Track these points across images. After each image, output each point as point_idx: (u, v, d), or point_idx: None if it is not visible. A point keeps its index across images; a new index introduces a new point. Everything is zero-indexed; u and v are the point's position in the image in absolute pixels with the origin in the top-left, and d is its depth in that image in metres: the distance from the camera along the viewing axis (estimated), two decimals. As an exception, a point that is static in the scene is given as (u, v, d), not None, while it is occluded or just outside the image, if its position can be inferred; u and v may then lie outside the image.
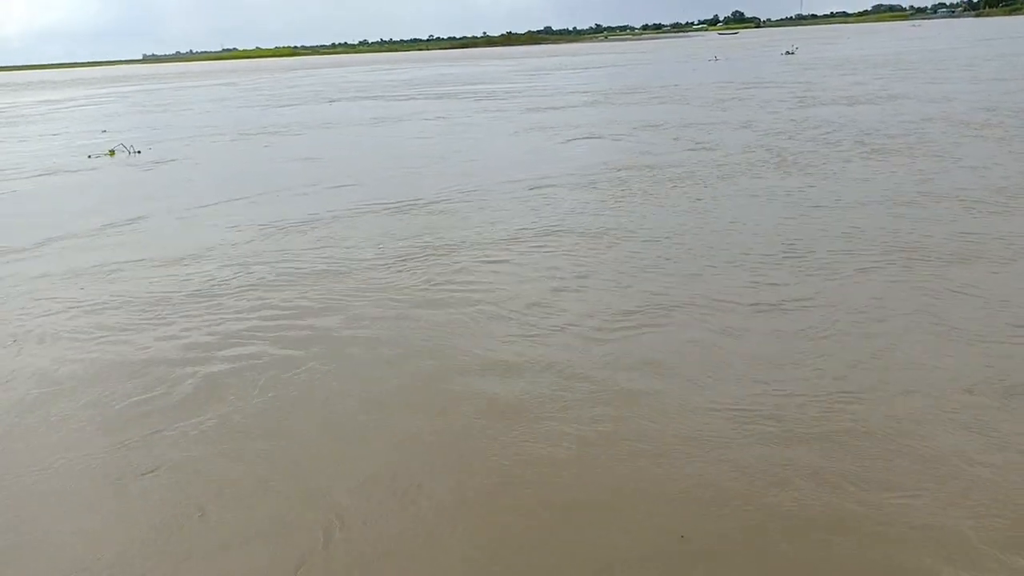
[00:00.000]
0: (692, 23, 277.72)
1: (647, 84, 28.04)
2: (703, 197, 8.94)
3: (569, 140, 14.43)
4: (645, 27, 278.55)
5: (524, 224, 8.08)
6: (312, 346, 5.07)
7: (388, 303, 5.86)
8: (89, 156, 15.58)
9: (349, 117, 21.98)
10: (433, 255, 7.08)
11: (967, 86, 20.33)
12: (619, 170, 10.88)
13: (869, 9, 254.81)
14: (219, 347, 5.13)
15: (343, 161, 13.65)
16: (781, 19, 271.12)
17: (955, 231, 6.96)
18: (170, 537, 3.23)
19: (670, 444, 3.71)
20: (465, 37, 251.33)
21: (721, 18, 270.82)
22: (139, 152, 15.91)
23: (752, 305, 5.41)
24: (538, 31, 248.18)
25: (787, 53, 45.64)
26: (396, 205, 9.38)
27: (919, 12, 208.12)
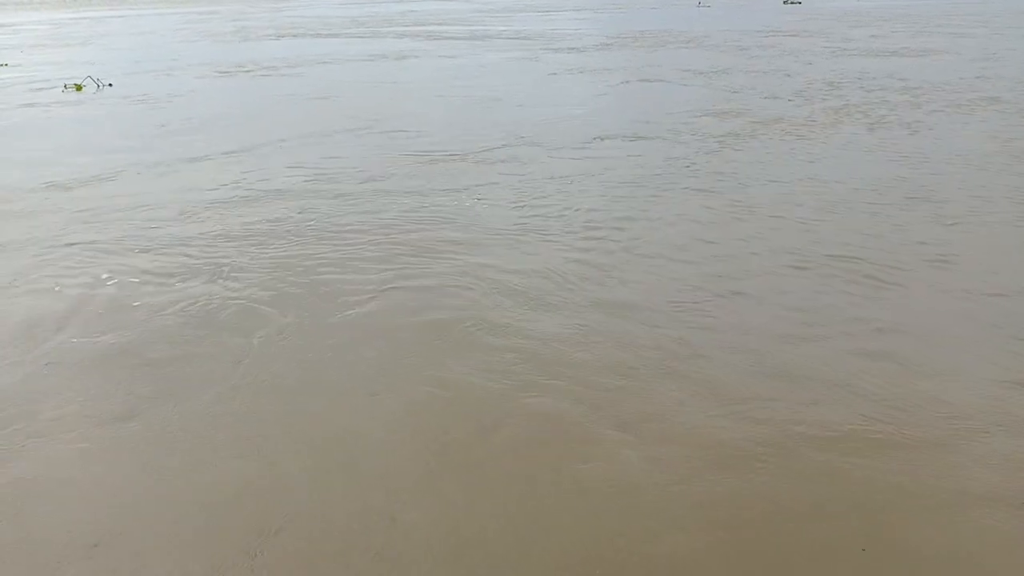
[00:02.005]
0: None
1: (652, 29, 27.13)
2: (807, 149, 8.68)
3: (622, 83, 14.05)
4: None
5: (631, 177, 7.65)
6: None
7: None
8: (64, 88, 14.29)
9: (341, 53, 20.60)
10: (542, 217, 6.50)
11: (998, 42, 19.84)
12: (700, 116, 10.65)
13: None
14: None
15: (367, 102, 12.68)
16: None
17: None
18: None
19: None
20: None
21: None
22: (110, 85, 14.68)
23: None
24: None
25: (790, 3, 43.75)
26: (465, 153, 8.76)
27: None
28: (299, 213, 6.66)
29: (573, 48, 20.59)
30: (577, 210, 6.58)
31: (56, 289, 5.15)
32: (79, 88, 14.36)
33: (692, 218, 6.37)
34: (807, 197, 6.87)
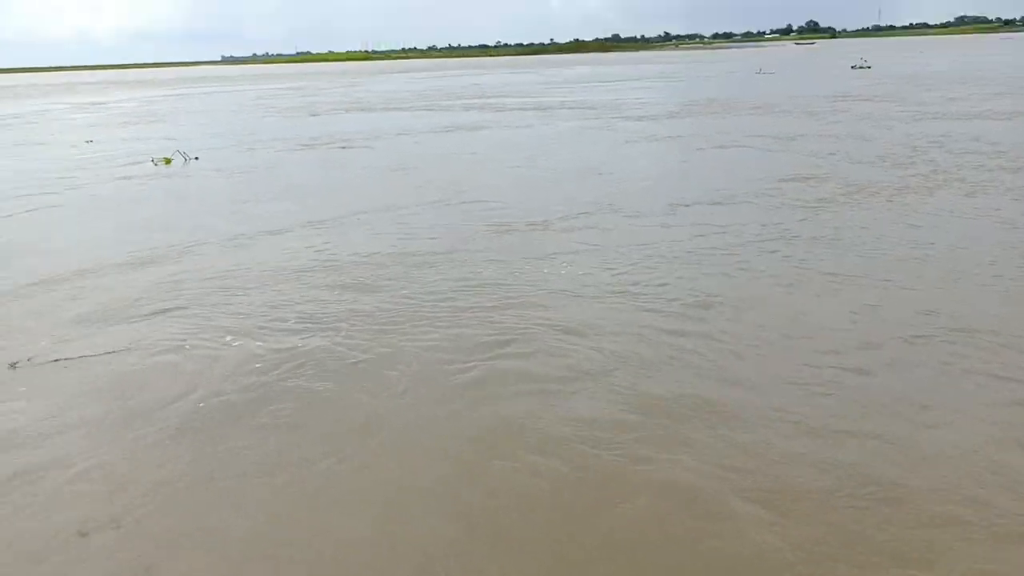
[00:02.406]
0: (764, 32, 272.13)
1: (719, 97, 27.21)
2: (904, 216, 8.31)
3: (699, 149, 14.04)
4: (715, 36, 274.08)
5: (722, 244, 7.50)
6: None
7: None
8: (154, 162, 14.86)
9: (415, 126, 21.02)
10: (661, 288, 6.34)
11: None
12: (785, 181, 10.46)
13: (952, 20, 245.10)
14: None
15: (445, 173, 12.65)
16: (857, 30, 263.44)
17: None
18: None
19: None
20: (532, 44, 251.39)
21: (795, 27, 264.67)
22: (196, 159, 15.23)
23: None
24: (606, 39, 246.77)
25: (857, 67, 42.99)
26: (546, 222, 8.70)
27: (1007, 24, 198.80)
28: (388, 281, 6.65)
29: (643, 116, 20.72)
30: (669, 279, 6.38)
31: (170, 355, 5.20)
32: (168, 162, 14.99)
33: (794, 288, 6.08)
34: (913, 266, 6.52)
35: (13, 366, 5.04)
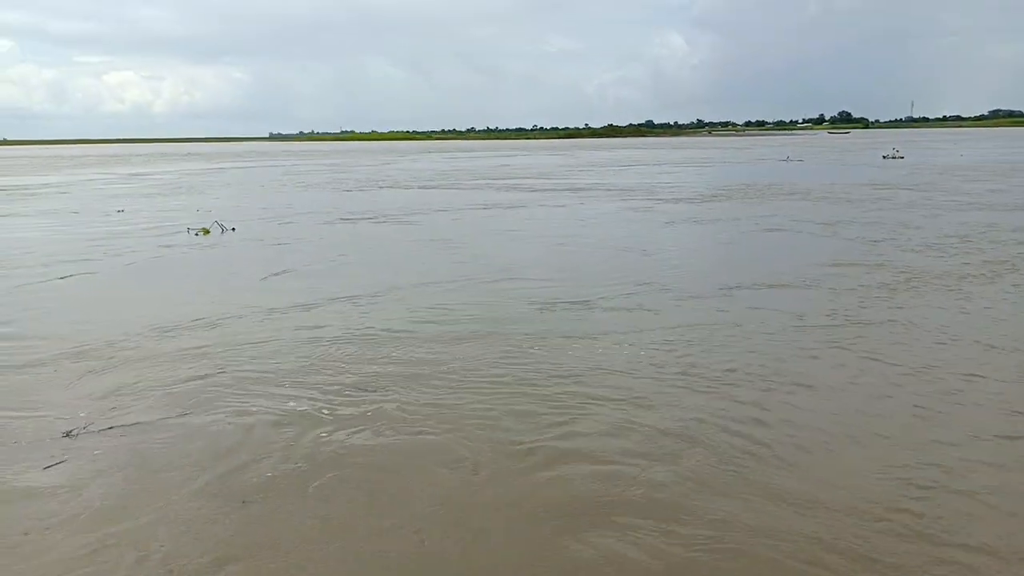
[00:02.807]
0: (796, 122, 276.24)
1: (753, 182, 27.28)
2: (970, 306, 8.09)
3: (743, 232, 14.08)
4: (748, 123, 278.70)
5: (779, 330, 7.46)
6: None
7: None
8: (193, 232, 15.08)
9: (453, 203, 21.19)
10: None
11: None
12: (837, 266, 10.40)
13: (986, 113, 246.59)
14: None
15: (485, 250, 12.74)
16: (890, 121, 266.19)
17: None
18: None
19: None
20: (568, 128, 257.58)
21: (827, 117, 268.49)
22: (233, 230, 15.47)
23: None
24: (640, 124, 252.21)
25: (889, 157, 42.33)
26: (591, 300, 8.72)
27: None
28: (436, 356, 6.59)
29: (680, 199, 20.87)
30: (726, 368, 6.21)
31: (223, 424, 5.16)
32: (206, 232, 15.20)
33: (865, 386, 5.79)
34: (987, 359, 6.27)
35: (69, 434, 5.04)
